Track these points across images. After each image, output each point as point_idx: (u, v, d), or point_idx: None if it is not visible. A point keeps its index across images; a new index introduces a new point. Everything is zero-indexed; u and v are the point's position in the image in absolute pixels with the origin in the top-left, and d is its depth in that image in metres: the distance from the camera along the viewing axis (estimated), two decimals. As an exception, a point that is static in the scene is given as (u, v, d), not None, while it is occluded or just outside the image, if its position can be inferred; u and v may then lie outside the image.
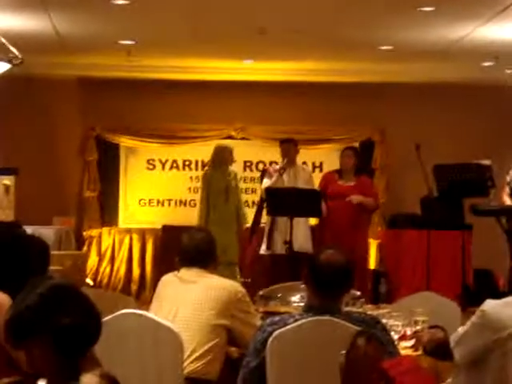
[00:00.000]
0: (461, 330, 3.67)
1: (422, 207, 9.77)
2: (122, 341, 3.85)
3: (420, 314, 4.45)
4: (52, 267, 4.23)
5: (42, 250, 4.12)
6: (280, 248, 8.79)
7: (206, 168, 9.94)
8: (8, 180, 9.59)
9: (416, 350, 4.11)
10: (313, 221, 9.30)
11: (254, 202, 10.59)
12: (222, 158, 9.28)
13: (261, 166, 11.49)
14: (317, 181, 9.19)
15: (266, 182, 8.93)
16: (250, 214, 9.67)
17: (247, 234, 9.43)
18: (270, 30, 8.52)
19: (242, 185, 9.67)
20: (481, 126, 11.24)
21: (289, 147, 9.04)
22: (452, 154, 10.23)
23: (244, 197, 10.05)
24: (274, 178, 8.88)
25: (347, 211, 8.59)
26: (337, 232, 8.58)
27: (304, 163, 11.15)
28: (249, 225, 9.42)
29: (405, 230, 10.07)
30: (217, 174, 9.25)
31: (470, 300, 8.25)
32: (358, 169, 8.92)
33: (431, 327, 4.19)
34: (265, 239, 8.93)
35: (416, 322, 4.40)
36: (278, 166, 9.15)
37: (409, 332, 4.31)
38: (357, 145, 11.58)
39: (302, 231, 8.78)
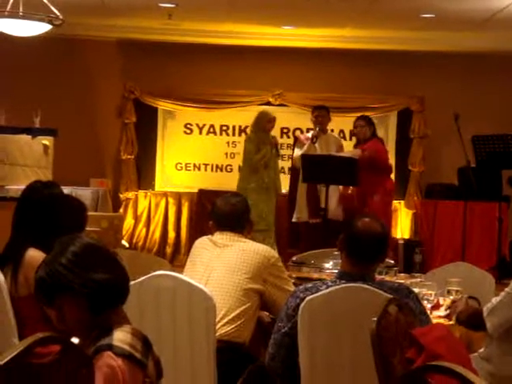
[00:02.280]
0: (494, 300, 3.67)
1: (459, 178, 9.73)
2: (155, 301, 3.89)
3: (454, 284, 4.44)
4: (88, 228, 4.28)
5: (80, 209, 4.17)
6: (312, 216, 8.80)
7: (248, 134, 9.94)
8: (47, 140, 9.64)
9: (449, 319, 4.10)
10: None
11: (289, 169, 10.57)
12: (260, 124, 9.26)
13: (298, 133, 11.46)
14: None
15: (298, 151, 8.91)
16: (286, 180, 9.67)
17: (282, 202, 9.45)
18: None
19: (280, 151, 9.66)
20: (521, 97, 11.11)
21: (322, 114, 9.00)
22: (491, 124, 10.14)
23: (281, 163, 10.03)
24: (305, 147, 8.86)
25: (363, 180, 8.51)
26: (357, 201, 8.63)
27: (342, 131, 11.15)
28: (284, 192, 9.43)
29: (441, 201, 10.05)
30: (257, 140, 9.23)
31: (504, 271, 8.24)
32: (372, 135, 8.80)
33: (467, 297, 4.18)
34: (302, 209, 8.93)
35: (449, 292, 4.39)
36: (309, 134, 9.13)
37: (442, 302, 4.31)
38: (395, 114, 11.54)
39: (333, 199, 8.77)
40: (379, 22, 9.85)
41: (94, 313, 2.47)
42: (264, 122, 9.22)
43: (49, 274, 2.49)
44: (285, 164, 10.96)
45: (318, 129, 8.90)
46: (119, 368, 2.33)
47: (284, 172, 10.79)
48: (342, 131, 11.18)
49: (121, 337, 2.41)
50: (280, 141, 9.81)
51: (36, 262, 3.87)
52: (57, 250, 2.53)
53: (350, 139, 10.71)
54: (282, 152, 10.04)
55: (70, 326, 2.51)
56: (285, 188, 9.71)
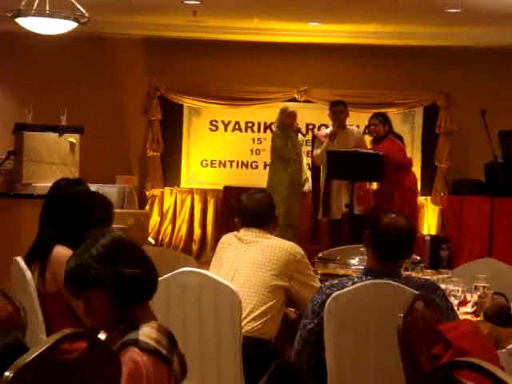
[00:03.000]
0: (522, 296, 3.64)
1: (486, 173, 9.66)
2: (182, 298, 3.90)
3: (481, 280, 4.42)
4: (115, 225, 4.29)
5: (106, 206, 4.18)
6: (336, 213, 8.79)
7: (274, 131, 9.96)
8: (73, 138, 9.69)
9: (476, 315, 4.08)
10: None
11: (308, 165, 10.55)
12: (281, 120, 9.29)
13: (316, 131, 11.45)
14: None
15: (317, 150, 8.89)
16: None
17: (306, 198, 9.45)
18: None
19: (304, 148, 9.65)
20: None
21: (340, 109, 8.97)
22: (519, 120, 10.06)
23: (306, 160, 10.02)
24: (324, 145, 8.84)
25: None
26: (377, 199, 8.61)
27: (358, 126, 11.10)
28: (308, 189, 9.42)
29: (468, 196, 10.00)
30: (283, 135, 9.25)
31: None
32: (388, 133, 8.72)
33: (492, 293, 4.16)
34: (321, 205, 8.91)
35: (477, 288, 4.37)
36: (327, 130, 9.11)
37: (469, 298, 4.29)
38: (421, 109, 11.48)
39: (360, 195, 8.75)
40: (404, 18, 9.80)
41: (120, 307, 2.49)
42: (284, 118, 9.26)
43: (79, 265, 2.51)
44: (310, 160, 10.93)
45: (336, 125, 8.88)
46: (144, 363, 2.34)
47: (310, 168, 10.78)
48: (368, 128, 11.14)
49: (147, 332, 2.42)
50: (306, 137, 9.78)
51: (63, 258, 3.88)
52: (88, 242, 2.55)
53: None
54: (307, 148, 10.02)
55: (96, 318, 2.52)
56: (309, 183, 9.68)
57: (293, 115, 9.25)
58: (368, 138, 9.43)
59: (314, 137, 9.30)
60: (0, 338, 2.44)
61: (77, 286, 2.52)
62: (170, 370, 2.42)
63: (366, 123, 10.87)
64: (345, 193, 8.68)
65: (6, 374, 2.00)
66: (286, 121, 9.23)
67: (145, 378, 2.33)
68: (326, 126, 11.30)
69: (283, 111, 9.33)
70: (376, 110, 9.99)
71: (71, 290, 2.54)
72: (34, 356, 2.06)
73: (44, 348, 2.08)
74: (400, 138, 9.00)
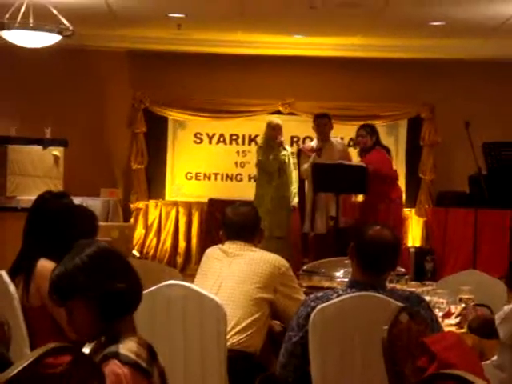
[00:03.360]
0: (506, 307, 3.66)
1: (470, 185, 9.70)
2: (166, 311, 3.89)
3: (465, 292, 4.43)
4: (99, 238, 4.27)
5: (91, 219, 4.17)
6: (320, 227, 8.80)
7: (259, 143, 9.97)
8: (57, 151, 9.68)
9: (461, 327, 4.09)
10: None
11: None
12: (266, 133, 9.33)
13: (308, 142, 11.45)
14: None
15: (304, 165, 8.91)
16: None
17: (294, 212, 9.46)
18: (321, 5, 8.46)
19: (293, 160, 9.69)
20: (532, 105, 11.08)
21: (324, 122, 9.00)
22: (502, 132, 10.12)
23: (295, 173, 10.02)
24: (311, 160, 8.86)
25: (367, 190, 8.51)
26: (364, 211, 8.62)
27: (352, 140, 11.12)
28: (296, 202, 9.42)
29: (452, 208, 10.03)
30: (267, 149, 9.28)
31: (516, 279, 8.19)
32: (375, 144, 8.75)
33: (477, 305, 4.17)
34: (307, 218, 8.92)
35: (461, 300, 4.38)
36: (312, 143, 9.14)
37: (453, 310, 4.30)
38: (405, 122, 11.53)
39: (345, 207, 8.76)
40: (389, 31, 9.85)
41: (103, 318, 2.48)
42: (269, 130, 9.30)
43: (63, 274, 2.51)
44: (295, 173, 10.95)
45: (320, 139, 8.92)
46: (124, 376, 2.34)
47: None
48: (352, 139, 11.17)
49: (128, 345, 2.42)
50: (290, 150, 9.79)
51: (48, 272, 3.87)
52: (74, 252, 2.55)
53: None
54: (292, 161, 10.05)
55: (79, 330, 2.51)
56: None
57: (278, 128, 9.28)
58: (353, 150, 9.46)
59: (300, 151, 9.31)
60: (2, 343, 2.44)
61: (61, 296, 2.51)
62: (150, 382, 2.42)
63: (351, 135, 10.93)
64: (331, 206, 8.69)
65: (-11, 389, 1.99)
66: (271, 134, 9.26)
67: None
68: (311, 139, 11.33)
69: (269, 124, 9.37)
70: (361, 123, 10.02)
71: (55, 300, 2.53)
72: (18, 370, 2.05)
73: (28, 362, 2.07)
74: (387, 150, 9.04)
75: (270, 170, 9.21)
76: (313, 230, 8.90)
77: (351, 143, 10.00)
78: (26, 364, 2.07)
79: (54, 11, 7.53)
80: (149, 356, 2.45)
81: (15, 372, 2.04)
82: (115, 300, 2.48)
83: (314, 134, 9.97)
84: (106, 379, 2.30)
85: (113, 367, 2.35)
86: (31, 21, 7.58)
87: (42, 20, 7.65)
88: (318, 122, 9.00)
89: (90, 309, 2.48)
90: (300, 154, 9.19)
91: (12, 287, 3.88)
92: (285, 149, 9.35)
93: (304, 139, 11.52)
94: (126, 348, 2.41)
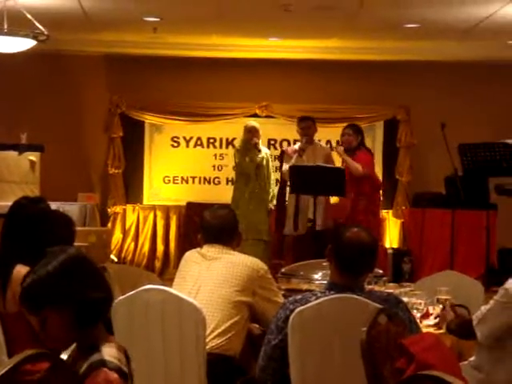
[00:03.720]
0: (483, 308, 3.68)
1: (447, 186, 9.75)
2: (145, 315, 3.88)
3: (443, 293, 4.45)
4: (77, 243, 4.26)
5: (68, 224, 4.15)
6: (302, 228, 8.79)
7: (236, 146, 9.97)
8: (34, 156, 9.64)
9: (439, 328, 4.11)
10: (335, 199, 9.28)
11: (277, 180, 10.57)
12: (243, 136, 9.35)
13: (285, 144, 11.47)
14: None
15: (286, 166, 8.90)
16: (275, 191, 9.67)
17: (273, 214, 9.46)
18: (296, 8, 8.48)
19: (272, 163, 9.71)
20: (506, 105, 11.15)
21: (308, 125, 9.00)
22: (477, 133, 10.16)
23: (274, 175, 10.01)
24: (293, 160, 8.87)
25: (350, 190, 8.51)
26: (341, 212, 8.61)
27: (329, 142, 11.15)
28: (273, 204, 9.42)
29: (429, 209, 10.07)
30: (243, 152, 9.29)
31: (493, 279, 8.22)
32: (360, 145, 8.79)
33: (454, 306, 4.18)
34: (290, 221, 8.89)
35: (439, 301, 4.40)
36: (296, 147, 9.14)
37: (431, 311, 4.31)
38: (381, 123, 11.57)
39: (323, 209, 8.77)
40: (364, 33, 9.89)
41: (77, 327, 2.46)
42: (245, 133, 9.32)
43: (35, 282, 2.47)
44: (275, 175, 10.95)
45: (304, 141, 8.90)
46: (116, 382, 2.34)
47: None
48: (328, 142, 11.19)
49: (109, 352, 2.41)
50: (269, 152, 9.80)
51: (24, 278, 3.86)
52: (46, 259, 2.52)
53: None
54: (275, 163, 10.07)
55: (52, 338, 2.49)
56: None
57: (254, 130, 9.28)
58: (336, 156, 9.47)
59: (283, 152, 9.31)
60: None
61: (32, 303, 2.47)
62: None
63: (327, 138, 10.97)
64: (309, 208, 8.70)
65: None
66: (249, 136, 9.27)
67: None
68: (288, 142, 11.37)
69: (245, 127, 9.40)
70: (337, 125, 10.06)
71: (27, 309, 2.50)
72: (-5, 378, 2.03)
73: (6, 369, 2.06)
74: (370, 151, 9.09)
75: (246, 171, 9.23)
76: (295, 231, 8.87)
77: (334, 145, 9.95)
78: (3, 371, 2.06)
79: (29, 16, 7.50)
80: (126, 360, 2.45)
81: (-7, 379, 2.03)
82: (89, 308, 2.46)
83: (292, 137, 10.00)
84: None
85: (105, 376, 2.34)
86: (5, 26, 7.54)
87: (16, 25, 7.61)
88: (302, 124, 9.00)
89: (63, 317, 2.45)
90: (283, 155, 9.18)
91: (-12, 294, 3.85)
92: (259, 151, 9.34)
93: (281, 142, 11.54)
94: (109, 354, 2.40)
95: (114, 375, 2.35)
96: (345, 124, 9.27)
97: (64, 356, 2.48)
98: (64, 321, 2.45)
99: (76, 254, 2.54)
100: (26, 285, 2.49)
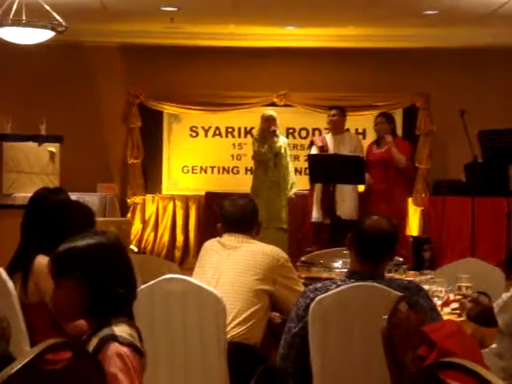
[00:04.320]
0: (505, 296, 3.66)
1: (467, 174, 9.71)
2: (165, 305, 3.88)
3: (464, 280, 4.43)
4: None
5: (88, 215, 4.17)
6: (329, 216, 8.77)
7: (254, 135, 9.96)
8: (53, 147, 9.67)
9: (459, 315, 4.09)
10: (361, 188, 9.26)
11: (296, 169, 10.56)
12: (260, 125, 9.33)
13: (303, 133, 11.45)
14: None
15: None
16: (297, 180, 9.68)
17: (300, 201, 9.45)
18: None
19: (291, 151, 9.70)
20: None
21: (334, 114, 8.99)
22: (497, 119, 10.11)
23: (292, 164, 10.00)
24: (313, 151, 8.87)
25: (384, 178, 8.51)
26: (376, 199, 8.55)
27: (347, 130, 11.11)
28: (295, 191, 9.39)
29: (449, 197, 10.05)
30: (261, 140, 9.27)
31: (514, 266, 8.21)
32: (395, 133, 8.81)
33: (475, 293, 4.17)
34: (319, 207, 8.85)
35: (459, 288, 4.38)
36: (326, 136, 9.13)
37: (452, 298, 4.30)
38: (400, 111, 11.53)
39: (349, 198, 8.74)
40: (382, 20, 9.84)
41: (88, 310, 2.49)
42: (263, 122, 9.29)
43: (70, 249, 2.50)
44: (294, 164, 10.91)
45: (332, 132, 8.92)
46: (127, 356, 2.37)
47: (300, 172, 10.89)
48: (347, 130, 11.15)
49: (121, 327, 2.43)
50: (287, 140, 9.78)
51: (45, 268, 3.88)
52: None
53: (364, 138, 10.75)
54: (293, 152, 10.07)
55: (60, 307, 2.51)
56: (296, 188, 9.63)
57: (271, 119, 9.26)
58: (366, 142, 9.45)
59: (312, 142, 9.31)
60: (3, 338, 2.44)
61: (59, 268, 2.50)
62: (143, 362, 2.45)
63: (346, 126, 10.92)
64: (349, 196, 8.69)
65: (-10, 386, 1.99)
66: (266, 125, 9.25)
67: (132, 369, 2.35)
68: (307, 130, 11.36)
69: (262, 116, 9.37)
70: (356, 113, 10.03)
71: (52, 270, 2.52)
72: (18, 367, 2.04)
73: (28, 359, 2.07)
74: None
75: (265, 160, 9.20)
76: (319, 220, 8.84)
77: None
78: (26, 361, 2.07)
79: (47, 7, 7.52)
80: (139, 337, 2.47)
81: (16, 369, 2.04)
82: (105, 299, 2.47)
83: (310, 125, 9.99)
84: (110, 361, 2.32)
85: (116, 349, 2.37)
86: (24, 17, 7.56)
87: (34, 16, 7.63)
88: (330, 114, 9.02)
89: (78, 294, 2.47)
90: (312, 144, 9.18)
91: (10, 284, 3.88)
92: (278, 137, 9.32)
93: (300, 130, 11.53)
94: (120, 330, 2.42)
95: (125, 349, 2.37)
96: (363, 112, 9.26)
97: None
98: (77, 298, 2.47)
99: (118, 242, 2.57)
100: (62, 248, 2.50)
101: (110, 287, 2.48)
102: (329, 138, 8.99)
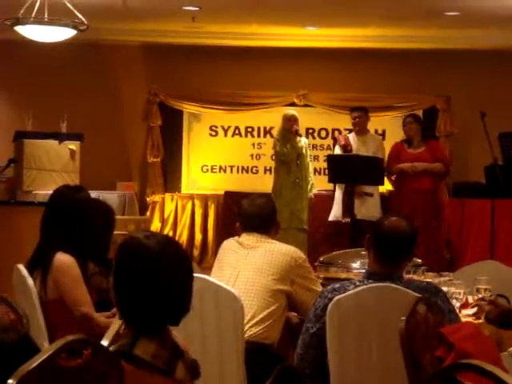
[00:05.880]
0: (524, 298, 3.64)
1: (487, 176, 9.66)
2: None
3: (482, 283, 4.42)
4: (116, 231, 4.29)
5: (108, 213, 4.19)
6: (350, 216, 8.77)
7: (275, 136, 9.94)
8: (73, 145, 9.71)
9: (478, 318, 4.08)
10: (384, 189, 9.25)
11: (315, 170, 10.56)
12: (282, 124, 9.31)
13: (323, 133, 11.44)
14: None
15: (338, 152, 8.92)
16: (317, 180, 9.67)
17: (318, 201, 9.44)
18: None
19: (310, 152, 9.69)
20: (548, 94, 11.02)
21: (358, 115, 8.99)
22: (518, 122, 10.05)
23: (312, 165, 9.99)
24: (337, 151, 8.88)
25: (420, 180, 8.52)
26: (411, 201, 8.54)
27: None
28: (315, 192, 9.39)
29: (469, 199, 9.99)
30: (283, 141, 9.25)
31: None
32: (424, 134, 8.84)
33: (494, 296, 4.16)
34: (340, 207, 8.85)
35: (478, 291, 4.37)
36: (348, 135, 9.12)
37: (471, 300, 4.28)
38: (420, 112, 11.49)
39: (371, 200, 8.73)
40: (403, 21, 9.82)
41: None
42: (285, 122, 9.27)
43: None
44: (313, 164, 10.91)
45: (355, 133, 8.91)
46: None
47: (320, 172, 10.87)
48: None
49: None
50: (307, 141, 9.77)
51: (65, 265, 3.90)
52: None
53: (384, 139, 10.71)
54: (313, 152, 10.06)
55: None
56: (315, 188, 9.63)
57: (294, 118, 9.25)
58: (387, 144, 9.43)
59: (335, 140, 9.30)
60: (15, 331, 2.45)
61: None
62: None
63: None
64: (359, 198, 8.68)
65: (10, 381, 2.00)
66: (288, 125, 9.22)
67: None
68: (326, 130, 11.35)
69: (284, 116, 9.34)
70: (375, 114, 9.99)
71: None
72: (37, 363, 2.06)
73: (47, 355, 2.08)
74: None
75: (287, 159, 9.17)
76: (338, 219, 8.85)
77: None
78: (45, 357, 2.08)
79: (69, 5, 7.55)
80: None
81: (35, 365, 2.05)
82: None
83: (330, 126, 9.95)
84: None
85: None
86: (46, 16, 7.60)
87: (56, 15, 7.66)
88: (353, 114, 9.02)
89: None
90: (335, 142, 9.17)
91: (30, 281, 3.90)
92: (300, 136, 9.31)
93: (319, 131, 11.51)
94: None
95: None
96: (383, 113, 9.25)
97: (105, 342, 2.51)
98: None
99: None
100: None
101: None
102: (352, 137, 8.98)
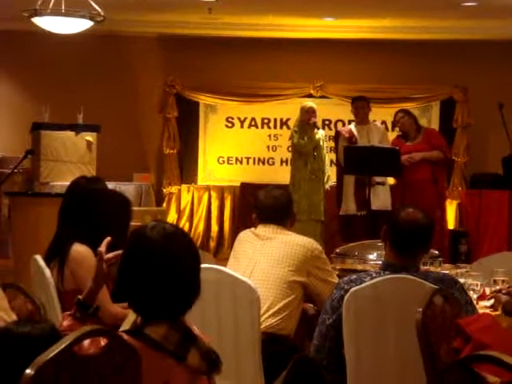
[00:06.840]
0: (541, 290, 3.63)
1: (504, 167, 9.63)
2: (200, 295, 3.89)
3: (500, 274, 4.40)
4: (133, 222, 4.30)
5: (124, 204, 4.19)
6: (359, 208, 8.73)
7: (292, 128, 9.91)
8: (90, 136, 9.74)
9: (495, 309, 4.06)
10: (391, 180, 9.20)
11: (332, 161, 10.53)
12: (300, 116, 9.27)
13: (340, 125, 11.41)
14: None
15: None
16: (332, 172, 9.64)
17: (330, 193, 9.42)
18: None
19: (327, 143, 9.67)
20: None
21: (361, 105, 8.94)
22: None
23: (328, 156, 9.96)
24: (345, 143, 8.83)
25: (420, 170, 8.47)
26: (413, 192, 8.49)
27: (383, 122, 11.04)
28: (331, 184, 9.37)
29: (486, 190, 9.97)
30: (301, 133, 9.22)
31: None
32: (418, 125, 8.75)
33: (510, 287, 4.14)
34: (352, 199, 8.81)
35: (495, 282, 4.35)
36: (351, 127, 9.07)
37: (488, 292, 4.27)
38: (438, 103, 11.45)
39: (382, 190, 8.70)
40: (420, 12, 9.78)
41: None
42: (303, 114, 9.23)
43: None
44: (329, 156, 10.88)
45: (358, 123, 8.85)
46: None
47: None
48: (384, 122, 11.09)
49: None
50: (324, 133, 9.74)
51: (81, 256, 3.91)
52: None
53: (393, 130, 10.63)
54: (329, 144, 10.02)
55: None
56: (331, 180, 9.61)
57: (311, 110, 9.21)
58: (391, 134, 9.39)
59: (338, 133, 9.25)
60: (39, 323, 2.46)
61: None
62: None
63: (382, 118, 10.85)
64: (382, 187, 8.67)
65: (27, 371, 2.01)
66: (306, 117, 9.18)
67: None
68: (343, 122, 11.31)
69: (302, 108, 9.30)
70: (392, 105, 9.97)
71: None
72: (55, 353, 2.07)
73: (64, 345, 2.09)
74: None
75: (305, 150, 9.13)
76: (352, 212, 8.81)
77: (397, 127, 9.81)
78: (62, 347, 2.09)
79: (86, -3, 7.57)
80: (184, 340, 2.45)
81: (52, 355, 2.06)
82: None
83: (346, 117, 9.90)
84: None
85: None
86: (63, 7, 7.62)
87: (73, 6, 7.68)
88: (355, 104, 8.95)
89: None
90: (338, 136, 9.12)
91: (47, 271, 3.92)
92: (318, 128, 9.28)
93: (336, 122, 11.49)
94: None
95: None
96: (400, 104, 9.21)
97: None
98: None
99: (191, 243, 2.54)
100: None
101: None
102: (354, 128, 8.93)
